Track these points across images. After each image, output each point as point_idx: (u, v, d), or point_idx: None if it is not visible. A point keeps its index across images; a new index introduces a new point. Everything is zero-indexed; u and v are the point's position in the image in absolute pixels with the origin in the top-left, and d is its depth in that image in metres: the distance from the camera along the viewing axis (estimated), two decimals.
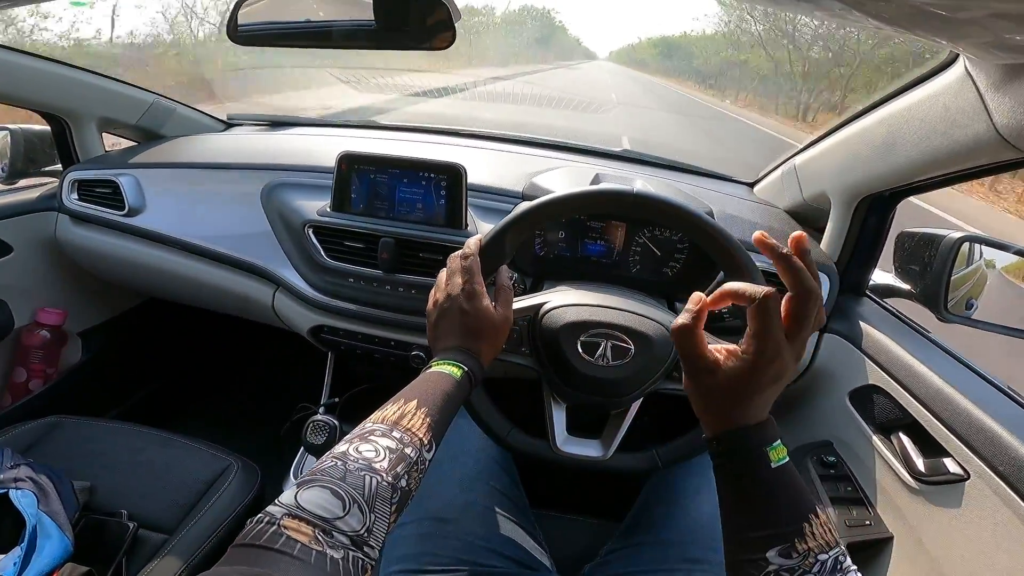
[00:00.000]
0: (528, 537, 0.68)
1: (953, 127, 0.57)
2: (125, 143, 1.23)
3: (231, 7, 0.61)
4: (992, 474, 0.55)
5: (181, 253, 0.99)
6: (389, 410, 0.44)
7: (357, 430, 0.42)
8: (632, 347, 0.59)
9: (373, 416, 0.44)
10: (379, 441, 0.40)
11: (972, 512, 0.57)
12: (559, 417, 0.64)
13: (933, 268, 0.73)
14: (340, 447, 0.40)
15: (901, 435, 0.68)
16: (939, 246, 0.73)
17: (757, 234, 0.41)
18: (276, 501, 0.34)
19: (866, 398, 0.75)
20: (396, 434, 0.42)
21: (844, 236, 0.83)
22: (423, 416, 0.44)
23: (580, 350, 0.59)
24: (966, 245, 0.74)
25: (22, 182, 1.13)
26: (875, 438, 0.71)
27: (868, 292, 0.86)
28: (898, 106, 0.66)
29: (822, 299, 0.40)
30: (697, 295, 0.43)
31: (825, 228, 0.86)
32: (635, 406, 0.63)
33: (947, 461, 0.61)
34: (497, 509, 0.69)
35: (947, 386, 0.63)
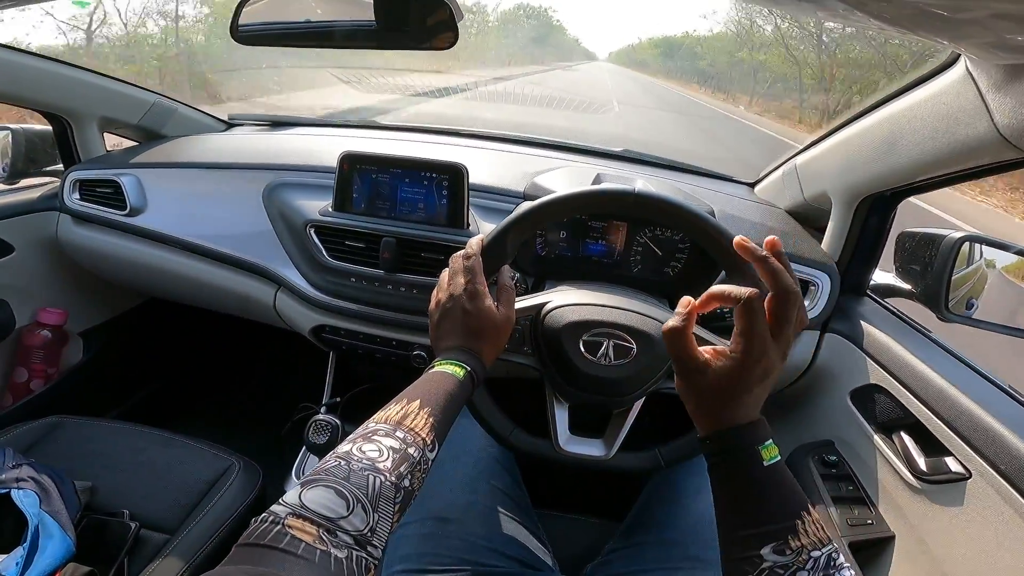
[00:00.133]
0: (531, 537, 0.68)
1: (954, 127, 0.57)
2: (126, 143, 1.23)
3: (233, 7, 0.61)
4: (994, 473, 0.55)
5: (182, 253, 0.99)
6: (392, 410, 0.44)
7: (360, 430, 0.42)
8: (634, 346, 0.59)
9: (376, 416, 0.44)
10: (383, 441, 0.40)
11: (974, 511, 0.57)
12: (561, 417, 0.64)
13: (934, 268, 0.73)
14: (344, 447, 0.40)
15: (902, 434, 0.68)
16: (940, 246, 0.73)
17: (737, 238, 0.44)
18: (280, 500, 0.34)
19: (867, 397, 0.75)
20: (399, 434, 0.42)
21: (845, 236, 0.83)
22: (426, 416, 0.44)
23: (582, 350, 0.59)
24: (966, 245, 0.74)
25: (23, 182, 1.13)
26: (876, 437, 0.71)
27: (869, 292, 0.86)
28: (899, 106, 0.66)
29: (802, 298, 0.42)
30: (686, 299, 0.45)
31: (826, 228, 0.86)
32: (637, 405, 0.63)
33: (949, 460, 0.61)
34: (499, 509, 0.69)
35: (948, 385, 0.63)
